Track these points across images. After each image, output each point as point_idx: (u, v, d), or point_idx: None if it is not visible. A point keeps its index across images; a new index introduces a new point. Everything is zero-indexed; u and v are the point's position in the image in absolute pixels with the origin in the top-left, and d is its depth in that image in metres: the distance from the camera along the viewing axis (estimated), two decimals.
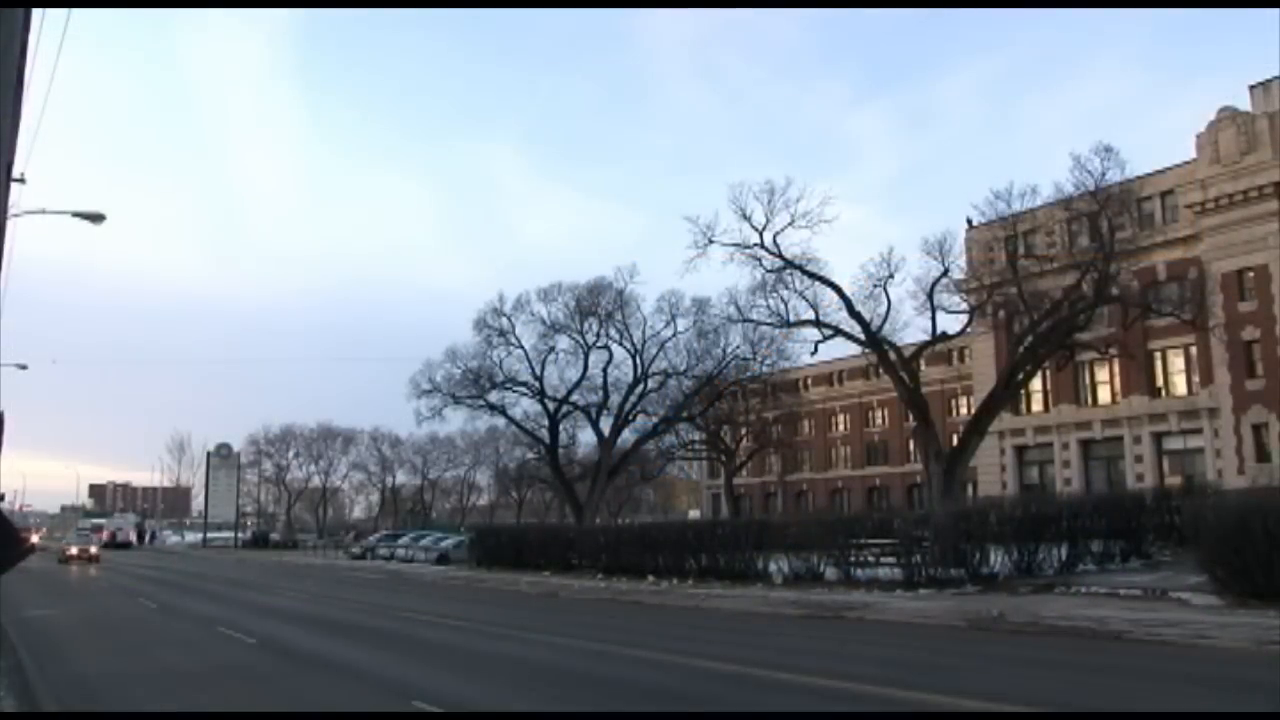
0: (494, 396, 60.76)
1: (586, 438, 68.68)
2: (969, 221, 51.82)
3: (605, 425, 60.70)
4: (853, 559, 30.52)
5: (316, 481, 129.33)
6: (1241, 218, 52.18)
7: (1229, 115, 53.63)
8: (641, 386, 60.14)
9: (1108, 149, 38.06)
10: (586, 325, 58.97)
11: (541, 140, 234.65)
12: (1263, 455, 51.05)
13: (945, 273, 40.81)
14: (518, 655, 17.70)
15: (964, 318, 43.53)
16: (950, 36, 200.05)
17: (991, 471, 63.76)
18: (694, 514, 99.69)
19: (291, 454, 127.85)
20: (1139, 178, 46.54)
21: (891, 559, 29.50)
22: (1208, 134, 54.23)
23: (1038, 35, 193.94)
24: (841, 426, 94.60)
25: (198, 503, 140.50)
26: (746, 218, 41.06)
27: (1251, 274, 52.02)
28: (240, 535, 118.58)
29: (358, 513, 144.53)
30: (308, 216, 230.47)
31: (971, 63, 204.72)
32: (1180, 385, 57.76)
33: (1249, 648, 15.67)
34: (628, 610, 28.08)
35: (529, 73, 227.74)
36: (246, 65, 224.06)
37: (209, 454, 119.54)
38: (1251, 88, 55.38)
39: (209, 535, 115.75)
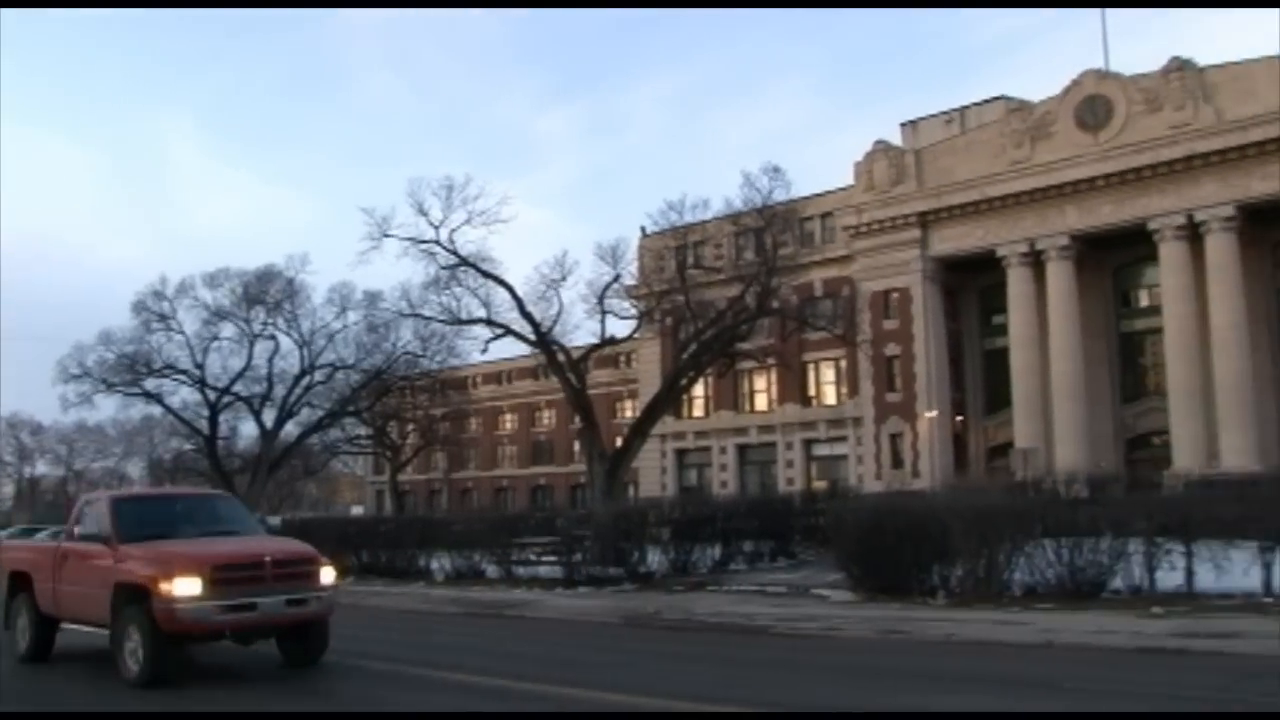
0: (151, 384, 57.97)
1: (249, 430, 66.42)
2: (643, 230, 53.19)
3: (269, 417, 58.87)
4: (515, 557, 30.66)
5: None
6: (889, 242, 56.24)
7: (883, 148, 57.80)
8: (308, 379, 58.69)
9: (776, 169, 39.88)
10: (253, 313, 57.14)
11: (218, 118, 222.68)
12: (897, 462, 55.17)
13: (617, 278, 41.57)
14: None
15: (633, 323, 44.48)
16: (641, 47, 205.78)
17: (653, 473, 65.74)
18: (357, 510, 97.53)
19: None
20: (803, 198, 49.13)
21: (553, 557, 29.84)
22: (864, 163, 58.19)
23: (726, 55, 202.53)
24: (509, 425, 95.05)
25: None
26: (423, 213, 40.42)
27: (896, 295, 56.19)
28: None
29: None
30: None
31: (659, 75, 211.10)
32: (830, 395, 61.63)
33: (874, 637, 16.90)
34: None
35: (209, 45, 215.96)
36: None
37: None
38: (902, 125, 60.04)
39: None
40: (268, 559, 13.03)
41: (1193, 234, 48.57)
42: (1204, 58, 49.74)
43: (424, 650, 16.94)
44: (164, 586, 12.16)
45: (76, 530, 14.55)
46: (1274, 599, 17.94)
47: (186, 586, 12.17)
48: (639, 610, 21.79)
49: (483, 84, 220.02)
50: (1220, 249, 47.81)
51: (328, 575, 13.61)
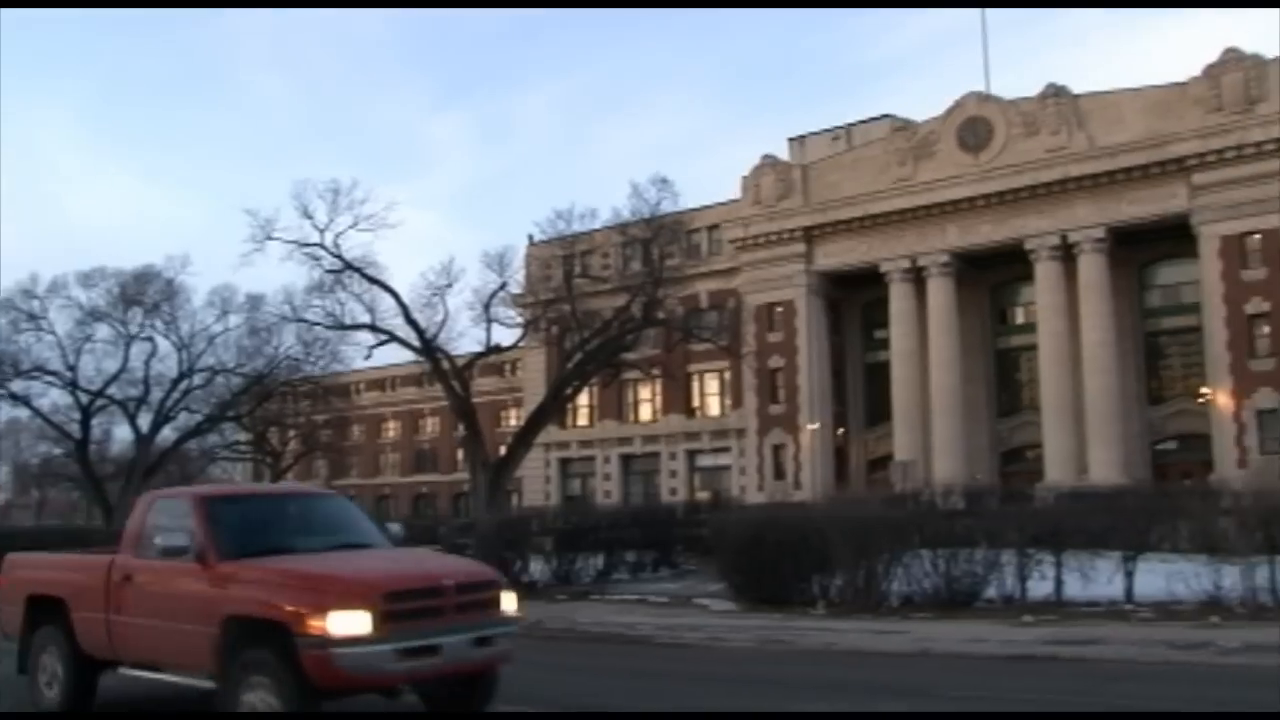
0: (18, 385, 55.79)
1: (123, 434, 64.55)
2: (530, 238, 53.00)
3: (145, 421, 57.28)
4: None
5: None
6: (775, 256, 56.99)
7: (770, 163, 58.60)
8: (186, 382, 57.22)
9: (664, 181, 40.18)
10: (130, 314, 55.45)
11: (98, 117, 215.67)
12: (780, 474, 55.83)
13: (503, 286, 41.44)
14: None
15: (518, 331, 44.42)
16: (532, 53, 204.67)
17: (537, 482, 65.58)
18: None
19: None
20: (691, 210, 49.59)
21: None
22: (752, 176, 58.91)
23: (614, 65, 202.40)
24: (392, 432, 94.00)
25: None
26: (309, 216, 39.75)
27: (780, 308, 56.93)
28: None
29: None
30: None
31: (548, 82, 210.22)
32: (714, 407, 62.18)
33: (755, 647, 17.10)
34: None
35: (87, 42, 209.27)
36: None
37: None
38: (790, 140, 61.08)
39: None
40: (449, 583, 9.62)
41: (1066, 254, 50.09)
42: (1079, 86, 51.43)
43: None
44: (314, 623, 8.70)
45: (158, 541, 10.25)
46: (1135, 606, 18.61)
47: (349, 623, 8.72)
48: (521, 620, 21.68)
49: (371, 87, 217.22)
50: (1091, 269, 49.40)
51: (510, 603, 10.35)
